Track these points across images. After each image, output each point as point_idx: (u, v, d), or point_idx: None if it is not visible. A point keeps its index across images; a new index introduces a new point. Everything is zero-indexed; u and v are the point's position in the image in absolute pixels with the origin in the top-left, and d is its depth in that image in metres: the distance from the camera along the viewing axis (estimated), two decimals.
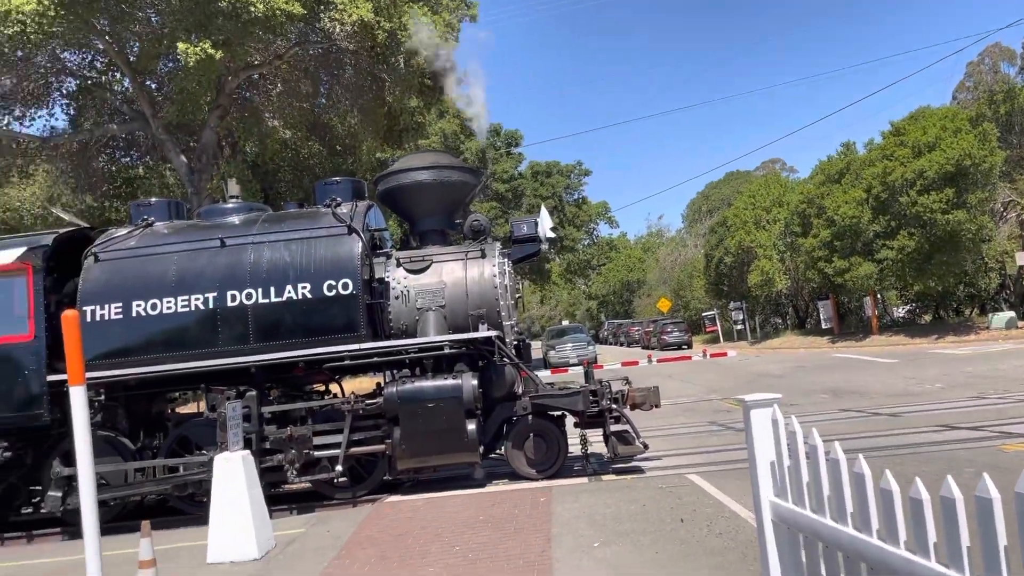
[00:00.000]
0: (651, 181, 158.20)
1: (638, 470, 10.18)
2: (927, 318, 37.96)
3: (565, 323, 59.77)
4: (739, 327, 44.15)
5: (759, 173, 68.81)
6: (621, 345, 58.78)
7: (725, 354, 25.50)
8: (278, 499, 10.24)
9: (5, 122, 20.15)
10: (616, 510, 7.71)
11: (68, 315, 5.02)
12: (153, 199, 11.48)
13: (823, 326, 38.59)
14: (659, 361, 22.38)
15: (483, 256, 10.69)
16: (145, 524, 5.88)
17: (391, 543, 7.39)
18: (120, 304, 9.88)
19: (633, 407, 10.53)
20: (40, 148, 20.47)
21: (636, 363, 20.26)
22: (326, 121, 22.32)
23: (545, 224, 11.20)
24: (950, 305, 37.40)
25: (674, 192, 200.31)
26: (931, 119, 32.99)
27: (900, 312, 40.50)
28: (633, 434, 10.13)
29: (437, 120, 31.28)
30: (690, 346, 44.24)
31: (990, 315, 32.10)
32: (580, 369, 24.44)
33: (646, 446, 10.02)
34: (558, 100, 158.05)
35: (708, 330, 50.14)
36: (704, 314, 50.76)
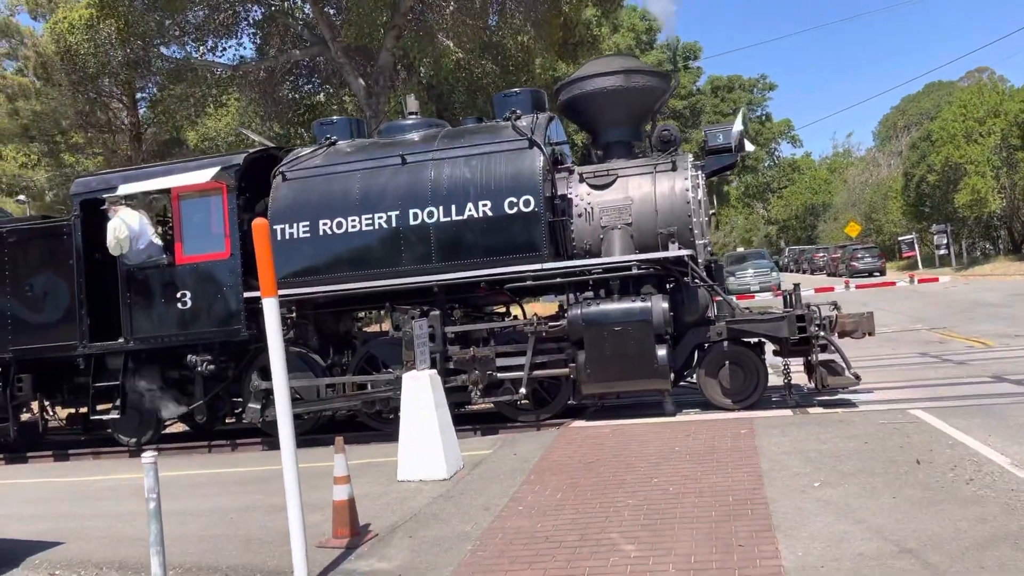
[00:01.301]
0: (838, 96, 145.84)
1: (849, 403, 9.19)
2: None
3: (740, 249, 57.07)
4: (942, 252, 40.18)
5: (964, 84, 61.60)
6: (804, 273, 55.43)
7: (936, 280, 23.06)
8: (462, 419, 10.12)
9: (200, 53, 21.12)
10: (833, 447, 6.88)
11: (258, 223, 4.81)
12: (335, 118, 11.47)
13: None
14: (858, 287, 20.57)
15: (674, 169, 9.83)
16: (339, 440, 5.76)
17: (582, 471, 6.99)
18: (308, 223, 9.93)
19: (842, 335, 9.47)
20: (231, 78, 21.36)
21: (831, 289, 18.68)
22: (499, 40, 21.78)
23: (739, 129, 10.09)
24: None
25: (864, 108, 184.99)
26: None
27: None
28: (843, 364, 9.12)
29: (611, 35, 29.94)
30: (883, 273, 40.80)
31: None
32: (767, 296, 23.04)
33: (858, 377, 9.00)
34: (737, 11, 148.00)
35: (905, 256, 46.11)
36: (900, 239, 46.64)
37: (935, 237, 40.87)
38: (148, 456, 4.57)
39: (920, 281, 21.60)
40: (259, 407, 10.13)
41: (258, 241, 4.74)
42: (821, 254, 54.05)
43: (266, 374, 10.35)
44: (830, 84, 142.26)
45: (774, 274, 31.72)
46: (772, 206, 79.74)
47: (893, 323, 17.99)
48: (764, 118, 48.33)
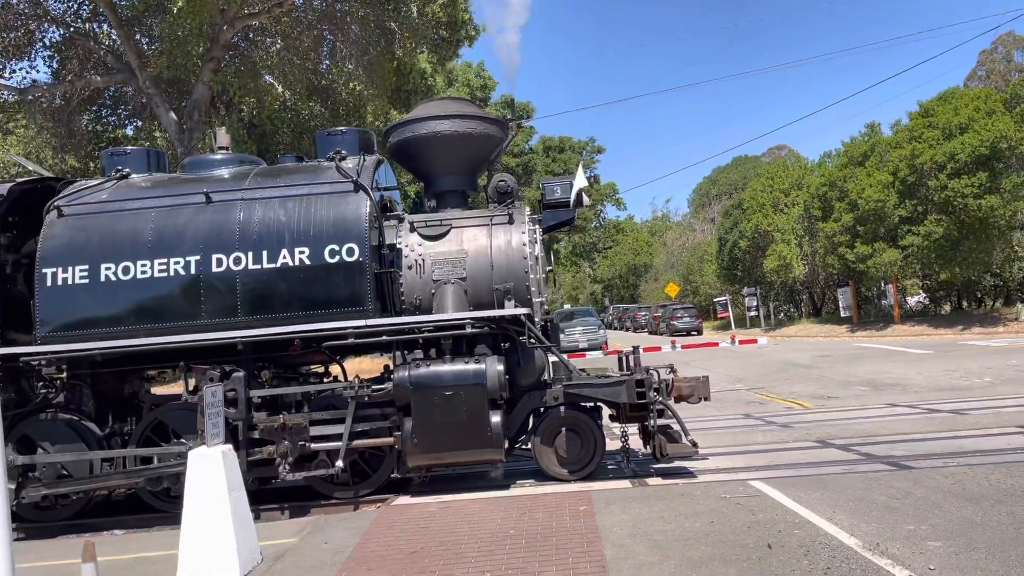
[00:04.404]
0: (656, 164, 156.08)
1: (686, 472, 8.79)
2: (947, 308, 36.55)
3: (567, 307, 58.29)
4: (752, 313, 42.69)
5: (766, 159, 67.35)
6: (627, 330, 57.36)
7: (755, 341, 24.09)
8: (267, 496, 8.86)
9: None
10: (679, 527, 6.32)
11: None
12: (130, 148, 10.01)
13: (842, 314, 37.17)
14: (683, 348, 20.96)
15: (511, 222, 9.24)
16: (88, 545, 4.48)
17: (403, 563, 6.00)
18: (86, 267, 8.45)
19: (678, 399, 9.13)
20: (19, 102, 18.93)
21: (659, 349, 18.89)
22: (329, 83, 20.79)
23: (579, 185, 9.71)
24: (973, 295, 35.97)
25: (680, 176, 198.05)
26: (962, 100, 31.44)
27: (912, 301, 39.02)
28: (680, 430, 8.75)
29: (446, 88, 29.71)
30: (700, 332, 42.80)
31: (1019, 306, 30.71)
32: (598, 354, 23.07)
33: (695, 445, 8.64)
34: (567, 78, 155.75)
35: (719, 316, 48.70)
36: (716, 299, 49.29)
37: (746, 299, 43.39)
38: None
39: (741, 343, 22.41)
40: (13, 487, 8.35)
41: None
42: (643, 312, 56.17)
43: (26, 446, 8.65)
44: (650, 152, 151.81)
45: (601, 332, 32.17)
46: (598, 265, 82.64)
47: (715, 383, 18.24)
48: (593, 180, 50.11)
